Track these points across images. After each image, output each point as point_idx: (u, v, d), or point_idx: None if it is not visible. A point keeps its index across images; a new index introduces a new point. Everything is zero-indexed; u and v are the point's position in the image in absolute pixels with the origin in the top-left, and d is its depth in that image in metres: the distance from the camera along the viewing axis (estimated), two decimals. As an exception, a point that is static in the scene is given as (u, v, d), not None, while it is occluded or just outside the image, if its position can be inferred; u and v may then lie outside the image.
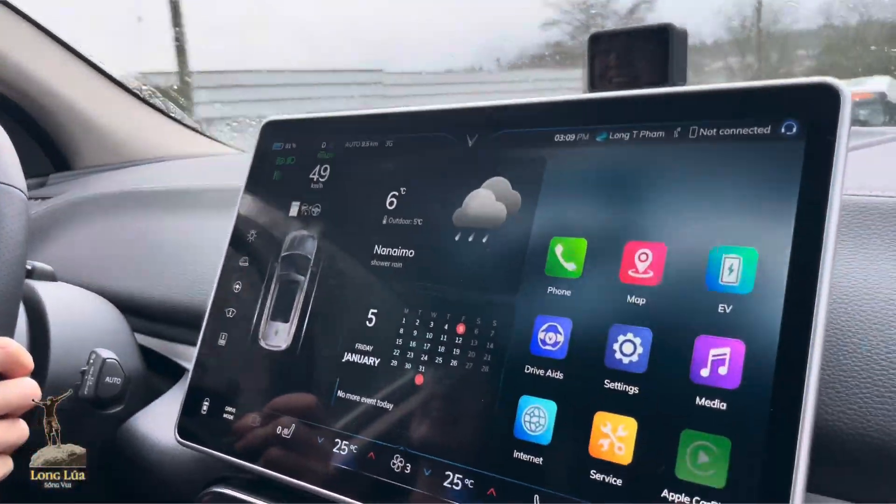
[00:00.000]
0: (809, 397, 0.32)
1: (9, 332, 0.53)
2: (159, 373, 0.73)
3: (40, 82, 1.12)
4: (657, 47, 0.59)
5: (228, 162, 1.04)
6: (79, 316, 0.63)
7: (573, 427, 0.38)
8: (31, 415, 0.49)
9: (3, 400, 0.46)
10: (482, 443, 0.41)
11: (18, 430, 0.47)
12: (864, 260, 0.40)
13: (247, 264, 0.57)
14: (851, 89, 0.33)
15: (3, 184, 0.52)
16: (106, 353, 0.57)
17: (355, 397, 0.47)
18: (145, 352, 0.70)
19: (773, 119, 0.37)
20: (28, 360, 0.48)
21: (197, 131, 1.31)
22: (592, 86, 0.63)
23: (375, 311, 0.48)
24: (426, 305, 0.46)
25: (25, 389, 0.47)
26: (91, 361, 0.57)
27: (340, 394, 0.48)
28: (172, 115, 1.28)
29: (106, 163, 1.21)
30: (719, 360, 0.35)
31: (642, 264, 0.39)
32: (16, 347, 0.47)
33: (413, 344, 0.46)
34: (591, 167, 0.42)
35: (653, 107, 0.41)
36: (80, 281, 0.75)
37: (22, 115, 1.15)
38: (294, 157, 0.57)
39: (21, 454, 0.54)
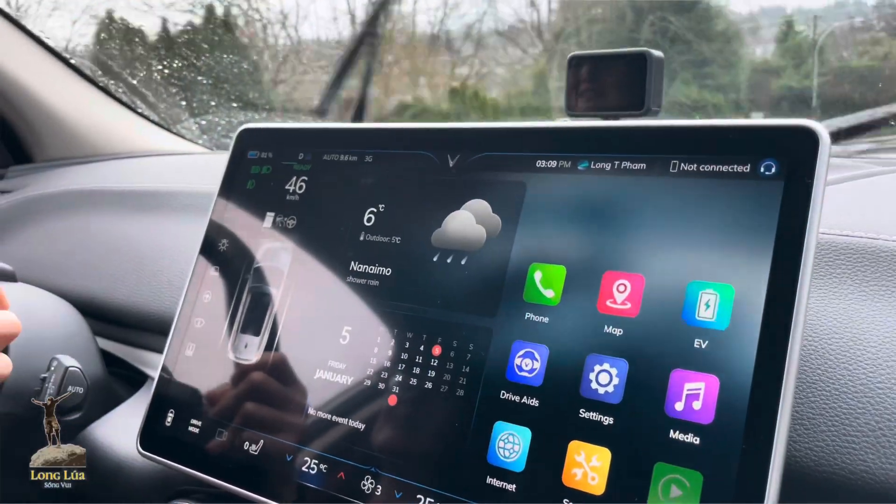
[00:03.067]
0: (780, 435, 0.32)
1: None
2: (120, 378, 0.71)
3: (4, 71, 1.09)
4: (634, 73, 0.60)
5: (196, 162, 1.02)
6: (40, 319, 0.61)
7: (547, 455, 0.38)
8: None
9: None
10: (455, 467, 0.41)
11: (3, 361, 0.44)
12: (834, 298, 0.41)
13: (217, 274, 0.56)
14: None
15: None
16: (68, 361, 0.55)
17: (326, 415, 0.47)
18: (106, 357, 0.69)
19: (753, 158, 0.37)
20: (4, 297, 0.45)
21: (163, 127, 1.28)
22: (570, 107, 0.64)
23: (350, 328, 0.48)
24: (402, 325, 0.46)
25: (9, 319, 0.44)
26: (52, 368, 0.55)
27: (311, 411, 0.47)
28: (139, 110, 1.26)
29: (69, 156, 1.17)
30: (694, 394, 0.36)
31: (620, 295, 0.39)
32: None
33: (387, 364, 0.45)
34: (571, 195, 0.43)
35: (635, 138, 0.42)
36: (41, 281, 0.73)
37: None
38: (270, 166, 0.57)
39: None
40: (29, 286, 0.68)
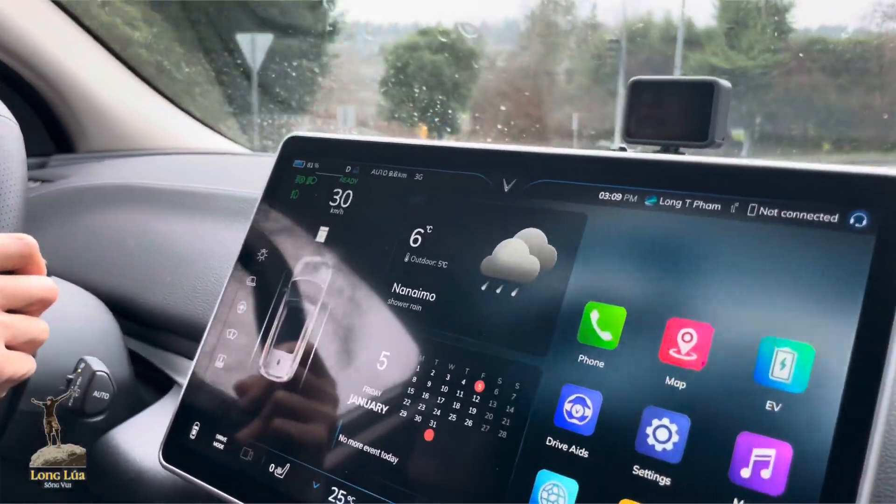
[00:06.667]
0: (861, 517, 0.29)
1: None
2: (145, 380, 0.70)
3: (54, 60, 1.09)
4: (699, 102, 0.57)
5: (237, 164, 1.01)
6: (70, 317, 0.60)
7: (595, 512, 0.36)
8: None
9: (27, 291, 0.42)
10: (493, 514, 0.38)
11: (41, 325, 0.43)
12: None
13: (254, 284, 0.54)
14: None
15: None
16: (97, 365, 0.54)
17: (358, 444, 0.44)
18: (132, 357, 0.67)
19: (843, 208, 0.34)
20: (42, 263, 0.44)
21: (206, 125, 1.28)
22: (628, 133, 0.61)
23: (388, 353, 0.46)
24: (444, 355, 0.43)
25: (48, 284, 0.43)
26: (79, 370, 0.54)
27: (342, 438, 0.45)
28: (183, 106, 1.25)
29: (111, 148, 1.17)
30: (762, 461, 0.33)
31: (685, 345, 0.36)
32: (34, 243, 0.43)
33: (426, 395, 0.43)
34: (636, 231, 0.40)
35: (710, 176, 0.39)
36: (73, 276, 0.72)
37: (29, 91, 1.12)
38: (315, 177, 0.55)
39: (21, 454, 0.52)
40: (61, 281, 0.67)
